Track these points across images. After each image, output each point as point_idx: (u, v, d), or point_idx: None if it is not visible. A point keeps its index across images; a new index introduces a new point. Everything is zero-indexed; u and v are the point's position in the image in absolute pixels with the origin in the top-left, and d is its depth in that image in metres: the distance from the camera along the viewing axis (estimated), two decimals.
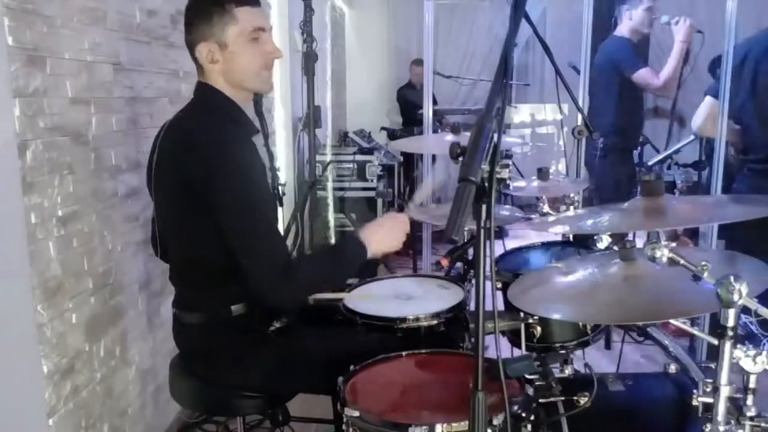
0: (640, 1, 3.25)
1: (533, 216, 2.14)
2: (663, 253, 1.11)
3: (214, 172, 1.45)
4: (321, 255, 1.61)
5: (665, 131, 3.58)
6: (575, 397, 1.32)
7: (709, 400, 1.08)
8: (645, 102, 3.56)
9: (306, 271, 1.55)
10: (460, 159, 0.91)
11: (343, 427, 1.29)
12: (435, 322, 1.70)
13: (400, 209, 5.32)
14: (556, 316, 1.49)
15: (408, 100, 6.35)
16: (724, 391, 1.06)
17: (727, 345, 1.04)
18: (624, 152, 3.42)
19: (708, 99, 2.88)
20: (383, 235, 1.62)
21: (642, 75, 3.22)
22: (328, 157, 4.84)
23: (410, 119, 5.97)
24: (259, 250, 1.47)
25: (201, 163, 1.46)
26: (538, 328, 1.63)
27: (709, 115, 2.85)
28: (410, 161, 5.52)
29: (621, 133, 3.34)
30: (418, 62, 6.45)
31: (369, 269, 4.15)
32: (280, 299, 1.52)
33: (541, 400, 1.30)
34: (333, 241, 4.75)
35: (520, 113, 6.99)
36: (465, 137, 1.92)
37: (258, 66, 1.58)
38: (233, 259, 1.47)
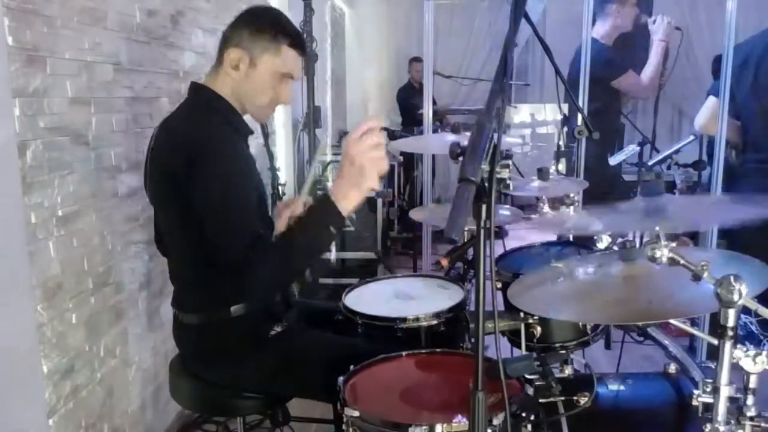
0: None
1: (533, 216, 2.14)
2: (663, 253, 1.11)
3: (195, 165, 1.43)
4: (293, 229, 1.44)
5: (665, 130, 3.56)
6: (575, 397, 1.32)
7: (709, 400, 1.08)
8: (623, 108, 3.50)
9: (277, 244, 1.45)
10: (460, 159, 0.91)
11: (343, 427, 1.29)
12: (435, 322, 1.70)
13: (400, 209, 5.33)
14: (556, 316, 1.49)
15: (408, 101, 6.35)
16: (724, 391, 1.06)
17: (727, 345, 1.04)
18: (599, 159, 3.29)
19: (711, 98, 2.88)
20: (352, 183, 1.38)
21: (624, 81, 3.17)
22: (328, 157, 4.84)
23: (410, 119, 5.96)
24: (229, 228, 1.40)
25: (185, 159, 1.44)
26: (538, 328, 1.63)
27: (712, 114, 2.85)
28: (410, 161, 5.52)
29: (596, 139, 3.27)
30: (418, 59, 6.47)
31: (369, 269, 4.17)
32: (252, 272, 1.37)
33: (541, 400, 1.30)
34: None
35: (520, 113, 6.99)
36: (465, 137, 1.92)
37: (266, 101, 1.61)
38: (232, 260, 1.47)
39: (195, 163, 1.43)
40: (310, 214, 1.45)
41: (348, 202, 1.39)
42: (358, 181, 1.38)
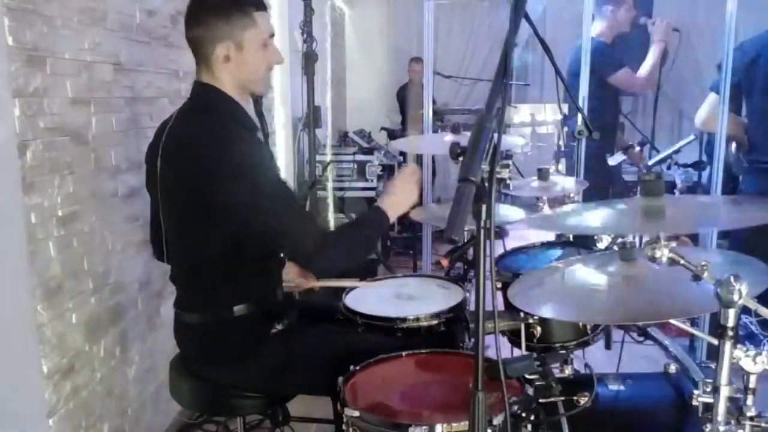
0: (623, 1, 3.24)
1: (533, 216, 2.14)
2: (663, 253, 1.11)
3: (222, 172, 1.45)
4: (349, 225, 1.80)
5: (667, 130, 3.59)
6: (575, 397, 1.32)
7: (709, 400, 1.08)
8: (620, 106, 3.53)
9: (340, 236, 1.69)
10: (460, 159, 0.91)
11: (343, 427, 1.29)
12: (435, 322, 1.70)
13: None
14: (556, 316, 1.49)
15: (408, 101, 6.34)
16: (724, 391, 1.06)
17: (727, 345, 1.04)
18: (598, 157, 3.24)
19: (712, 95, 2.88)
20: (399, 198, 1.70)
21: (620, 77, 3.22)
22: (328, 157, 4.84)
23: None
24: (292, 229, 1.52)
25: (206, 164, 1.46)
26: (538, 328, 1.63)
27: (712, 111, 2.86)
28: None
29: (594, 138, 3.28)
30: (417, 60, 6.46)
31: (369, 269, 4.17)
32: (325, 260, 1.56)
33: (541, 400, 1.30)
34: None
35: (520, 113, 6.98)
36: (465, 137, 1.92)
37: (264, 70, 1.63)
38: (235, 260, 1.49)
39: (228, 182, 1.45)
40: (366, 218, 1.75)
41: (393, 209, 1.67)
42: (404, 195, 1.71)
